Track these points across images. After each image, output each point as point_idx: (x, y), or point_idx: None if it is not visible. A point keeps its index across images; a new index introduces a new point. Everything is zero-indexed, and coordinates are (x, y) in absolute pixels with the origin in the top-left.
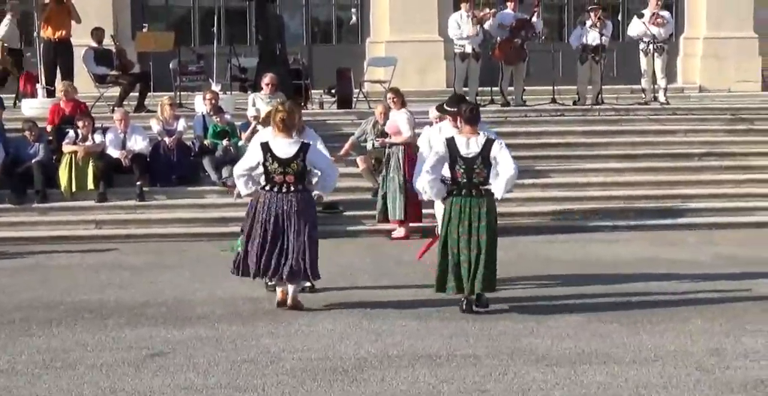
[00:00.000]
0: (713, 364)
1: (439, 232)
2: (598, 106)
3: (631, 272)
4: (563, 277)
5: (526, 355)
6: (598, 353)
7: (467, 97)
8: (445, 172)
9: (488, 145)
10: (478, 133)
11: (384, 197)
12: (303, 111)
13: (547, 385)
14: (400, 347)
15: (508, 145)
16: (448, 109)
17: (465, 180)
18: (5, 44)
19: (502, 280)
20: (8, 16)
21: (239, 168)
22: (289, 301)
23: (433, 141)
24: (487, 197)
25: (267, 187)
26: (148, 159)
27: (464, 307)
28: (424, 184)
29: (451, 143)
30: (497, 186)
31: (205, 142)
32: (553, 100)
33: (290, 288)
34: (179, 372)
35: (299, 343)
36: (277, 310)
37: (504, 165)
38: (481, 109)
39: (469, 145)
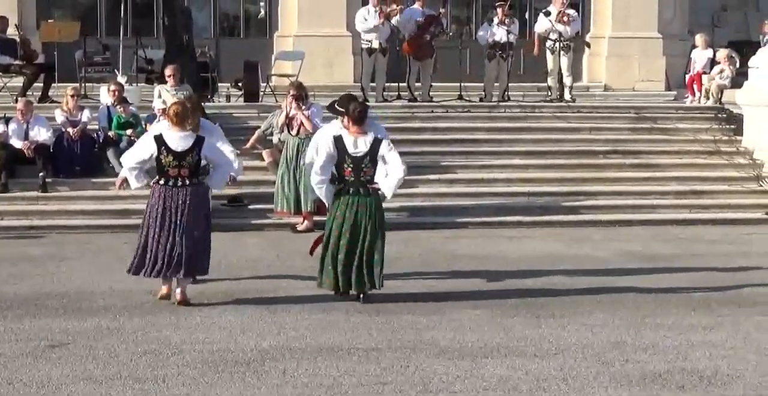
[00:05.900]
0: (613, 357)
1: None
2: (504, 103)
3: (535, 268)
4: (467, 272)
5: (429, 348)
6: (500, 346)
7: (373, 93)
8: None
9: (376, 144)
10: (366, 133)
11: (296, 190)
12: (209, 104)
13: (449, 377)
14: (303, 340)
15: (415, 141)
16: (339, 108)
17: (353, 178)
18: None
19: (407, 275)
20: None
21: (130, 160)
22: (178, 297)
23: (320, 145)
24: (374, 195)
25: (161, 181)
26: (51, 150)
27: (362, 300)
28: (314, 184)
29: (339, 142)
30: (387, 185)
31: (110, 133)
32: (460, 97)
33: (178, 283)
34: (78, 363)
35: (201, 335)
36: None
37: (393, 165)
38: (388, 103)
39: (357, 145)
